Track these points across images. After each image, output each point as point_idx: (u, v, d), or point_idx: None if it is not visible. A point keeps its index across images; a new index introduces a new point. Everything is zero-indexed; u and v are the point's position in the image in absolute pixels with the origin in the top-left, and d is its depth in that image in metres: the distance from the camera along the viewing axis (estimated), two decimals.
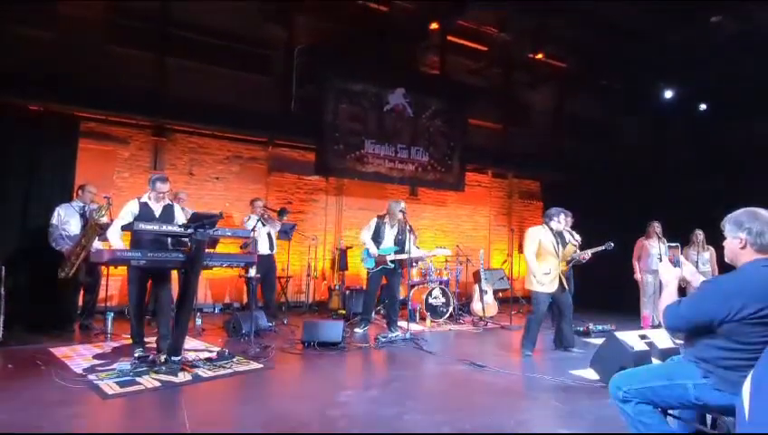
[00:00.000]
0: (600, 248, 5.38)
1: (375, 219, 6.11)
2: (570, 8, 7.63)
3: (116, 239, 4.08)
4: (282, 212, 6.64)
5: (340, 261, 7.82)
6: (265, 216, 6.27)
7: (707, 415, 2.30)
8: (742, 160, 7.93)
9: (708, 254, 6.66)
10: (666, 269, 2.32)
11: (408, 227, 5.76)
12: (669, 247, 2.32)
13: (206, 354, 4.34)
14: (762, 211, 2.06)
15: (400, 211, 5.83)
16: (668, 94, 8.75)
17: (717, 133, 8.50)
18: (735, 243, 2.07)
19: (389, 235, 5.97)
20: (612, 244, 5.32)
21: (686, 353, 2.16)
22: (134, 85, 6.75)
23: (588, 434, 2.12)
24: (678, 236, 5.03)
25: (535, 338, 5.02)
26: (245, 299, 7.25)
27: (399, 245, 5.90)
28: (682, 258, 2.38)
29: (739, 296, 1.94)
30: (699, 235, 6.65)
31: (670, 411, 2.31)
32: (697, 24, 7.30)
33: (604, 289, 7.94)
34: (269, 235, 6.32)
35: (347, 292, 7.34)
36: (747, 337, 1.93)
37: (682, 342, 2.43)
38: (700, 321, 2.03)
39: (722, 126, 8.44)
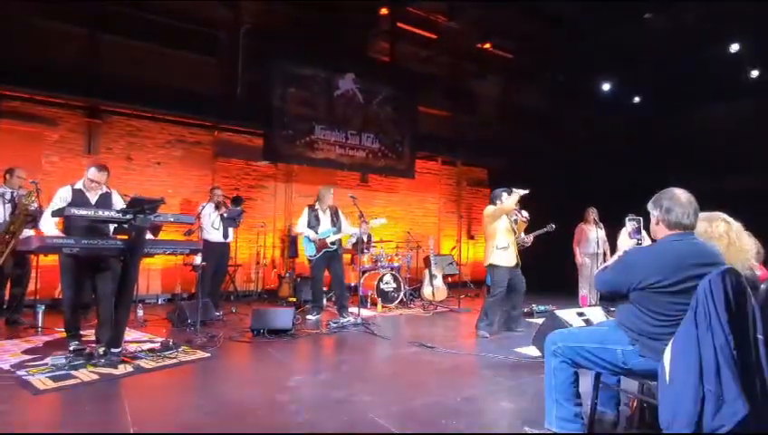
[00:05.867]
0: (542, 231, 5.72)
1: (306, 209, 6.16)
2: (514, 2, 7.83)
3: (50, 228, 3.81)
4: (236, 200, 6.45)
5: (291, 248, 7.71)
6: (220, 205, 6.03)
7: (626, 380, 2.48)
8: (678, 150, 8.47)
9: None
10: (623, 240, 2.52)
11: (339, 211, 6.17)
12: (630, 220, 2.52)
13: (149, 345, 4.18)
14: (676, 190, 2.21)
15: (330, 195, 6.12)
16: (606, 87, 9.23)
17: (656, 124, 9.05)
18: (652, 220, 2.26)
19: (324, 220, 6.07)
20: (554, 225, 5.65)
21: (617, 319, 2.32)
22: (64, 62, 6.28)
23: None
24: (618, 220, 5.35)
25: (494, 321, 5.14)
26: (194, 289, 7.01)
27: (336, 227, 6.07)
28: (644, 233, 2.53)
29: (644, 267, 2.14)
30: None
31: (603, 380, 2.49)
32: (633, 21, 7.71)
33: (546, 272, 8.29)
34: (223, 222, 6.11)
35: (298, 279, 7.27)
36: (662, 307, 2.10)
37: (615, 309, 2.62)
38: (615, 287, 2.26)
39: (659, 118, 8.99)
